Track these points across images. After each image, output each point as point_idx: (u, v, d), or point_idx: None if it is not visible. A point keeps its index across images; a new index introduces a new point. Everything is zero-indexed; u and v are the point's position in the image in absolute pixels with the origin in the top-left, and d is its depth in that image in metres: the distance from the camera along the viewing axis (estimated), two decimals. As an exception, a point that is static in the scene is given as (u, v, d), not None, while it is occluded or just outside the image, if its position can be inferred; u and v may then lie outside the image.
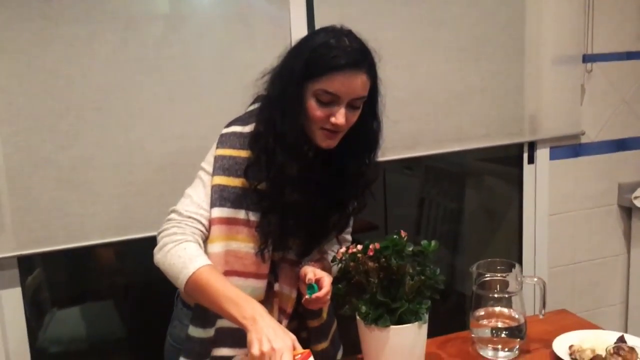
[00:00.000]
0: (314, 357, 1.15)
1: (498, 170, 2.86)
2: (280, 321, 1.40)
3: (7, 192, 1.69)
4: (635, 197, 2.49)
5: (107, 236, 1.79)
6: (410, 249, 1.33)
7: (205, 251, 1.29)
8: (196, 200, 1.31)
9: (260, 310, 1.14)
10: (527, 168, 2.44)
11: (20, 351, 1.84)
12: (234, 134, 1.33)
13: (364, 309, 1.33)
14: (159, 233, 1.29)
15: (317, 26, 1.91)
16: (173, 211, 1.31)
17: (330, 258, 1.44)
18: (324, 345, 1.44)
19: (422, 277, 1.33)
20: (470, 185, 3.24)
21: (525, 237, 2.50)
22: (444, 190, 3.43)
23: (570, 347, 1.43)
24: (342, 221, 1.43)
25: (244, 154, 1.31)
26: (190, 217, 1.29)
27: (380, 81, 1.33)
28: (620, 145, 2.53)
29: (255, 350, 1.08)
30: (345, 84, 1.23)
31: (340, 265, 1.35)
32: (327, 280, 1.34)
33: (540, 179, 2.44)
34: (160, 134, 1.80)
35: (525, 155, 2.42)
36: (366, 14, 2.01)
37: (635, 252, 2.59)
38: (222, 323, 1.32)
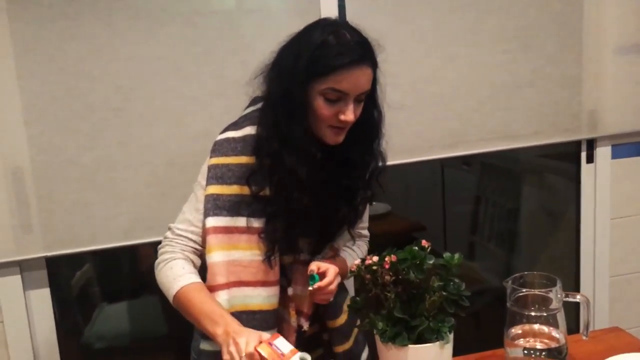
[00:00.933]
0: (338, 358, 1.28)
1: (558, 167, 2.67)
2: (301, 324, 1.37)
3: (34, 193, 1.70)
4: None
5: (131, 238, 1.77)
6: (431, 261, 1.22)
7: (205, 263, 1.28)
8: (187, 216, 1.30)
9: (234, 326, 1.15)
10: (585, 168, 2.24)
11: (50, 354, 1.84)
12: (227, 140, 1.30)
13: (380, 325, 1.24)
14: (158, 250, 1.32)
15: (349, 18, 1.81)
16: (169, 228, 1.32)
17: (343, 254, 1.42)
18: (346, 346, 1.42)
19: (444, 293, 1.22)
20: (528, 182, 3.06)
21: (584, 242, 2.31)
22: (501, 188, 3.27)
23: (618, 373, 1.28)
24: (351, 214, 1.38)
25: (236, 160, 1.27)
26: (180, 236, 1.30)
27: (380, 70, 1.28)
28: (693, 141, 2.29)
29: (225, 356, 1.11)
30: (352, 80, 1.20)
31: (359, 276, 1.26)
32: (331, 271, 1.31)
33: (601, 179, 2.24)
34: (184, 133, 1.76)
35: (584, 154, 2.23)
36: (402, 3, 1.88)
37: None
38: None
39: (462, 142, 2.00)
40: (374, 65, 1.24)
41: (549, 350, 1.32)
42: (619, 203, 2.27)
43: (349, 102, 1.21)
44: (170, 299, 1.24)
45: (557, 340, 1.32)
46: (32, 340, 1.80)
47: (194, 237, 1.29)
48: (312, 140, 1.25)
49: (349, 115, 1.21)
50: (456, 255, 1.23)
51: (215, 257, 1.26)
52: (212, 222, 1.25)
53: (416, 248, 1.24)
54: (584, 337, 1.35)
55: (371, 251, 1.32)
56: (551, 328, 1.33)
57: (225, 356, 1.11)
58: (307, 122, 1.23)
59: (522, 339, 1.35)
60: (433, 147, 1.96)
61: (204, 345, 1.31)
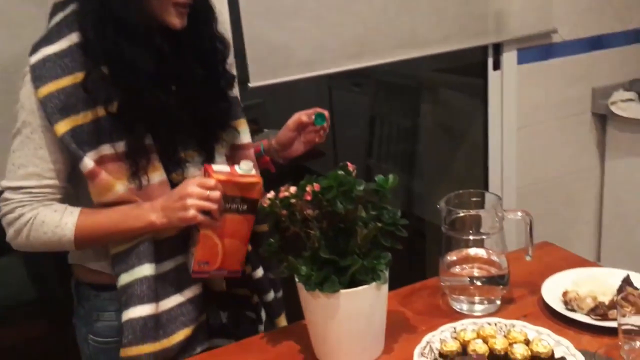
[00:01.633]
0: None
1: (458, 82, 2.54)
2: None
3: None
4: (612, 103, 2.20)
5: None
6: (361, 187, 1.01)
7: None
8: (32, 170, 1.10)
9: (158, 201, 1.10)
10: (492, 75, 2.12)
11: None
12: (47, 59, 1.07)
13: (304, 270, 1.02)
14: (1, 218, 1.12)
15: None
16: (8, 188, 1.11)
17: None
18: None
19: (379, 224, 1.01)
20: (427, 100, 2.93)
21: (492, 154, 2.23)
22: (397, 107, 3.13)
23: (565, 294, 1.16)
24: (224, 104, 1.25)
25: (73, 79, 1.07)
26: (32, 194, 1.11)
27: None
28: (596, 43, 2.23)
29: (189, 214, 1.05)
30: None
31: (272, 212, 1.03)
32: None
33: (508, 86, 2.14)
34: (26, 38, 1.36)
35: (490, 60, 2.10)
36: None
37: (609, 164, 2.35)
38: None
39: (368, 52, 1.78)
40: None
41: (490, 277, 1.18)
42: (526, 111, 2.19)
43: None
44: (70, 246, 1.11)
45: (498, 265, 1.18)
46: None
47: (51, 191, 1.11)
48: (154, 28, 1.10)
49: None
50: (390, 177, 1.03)
51: (120, 187, 1.09)
52: (86, 164, 1.07)
53: (342, 172, 1.02)
54: (528, 258, 1.21)
55: (268, 187, 1.12)
56: (490, 251, 1.19)
57: (190, 213, 1.05)
58: (146, 4, 1.07)
59: (458, 266, 1.19)
60: (337, 58, 1.73)
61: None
